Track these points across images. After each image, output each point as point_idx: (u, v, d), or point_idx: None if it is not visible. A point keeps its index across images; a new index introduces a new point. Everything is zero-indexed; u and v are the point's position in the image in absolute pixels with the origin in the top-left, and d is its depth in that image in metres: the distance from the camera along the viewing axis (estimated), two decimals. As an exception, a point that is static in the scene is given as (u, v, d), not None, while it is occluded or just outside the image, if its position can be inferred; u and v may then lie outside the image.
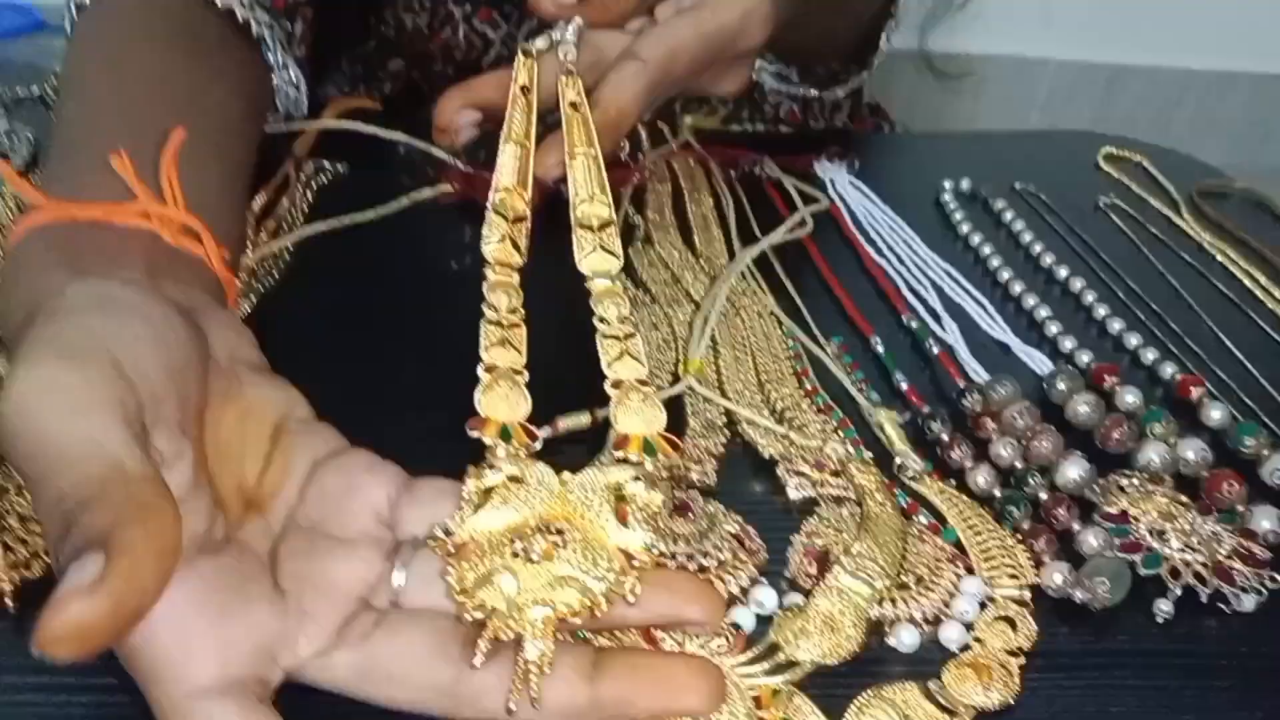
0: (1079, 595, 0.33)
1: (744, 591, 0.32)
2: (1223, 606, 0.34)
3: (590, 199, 0.39)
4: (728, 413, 0.40)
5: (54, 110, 0.43)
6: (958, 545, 0.35)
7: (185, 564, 0.24)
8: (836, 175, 0.58)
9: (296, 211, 0.50)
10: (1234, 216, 0.59)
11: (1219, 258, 0.55)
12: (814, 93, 0.66)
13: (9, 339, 0.32)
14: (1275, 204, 0.62)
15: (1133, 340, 0.47)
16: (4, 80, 0.60)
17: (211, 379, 0.29)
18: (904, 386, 0.42)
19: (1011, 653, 0.31)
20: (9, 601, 0.30)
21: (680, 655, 0.29)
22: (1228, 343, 0.48)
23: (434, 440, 0.30)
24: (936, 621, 0.32)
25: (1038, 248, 0.54)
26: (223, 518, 0.28)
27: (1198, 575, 0.35)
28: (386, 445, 0.31)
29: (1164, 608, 0.34)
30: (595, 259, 0.37)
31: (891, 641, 0.31)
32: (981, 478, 0.38)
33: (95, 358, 0.26)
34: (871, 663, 0.31)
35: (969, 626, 0.32)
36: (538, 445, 0.30)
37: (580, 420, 0.37)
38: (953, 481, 0.38)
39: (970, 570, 0.34)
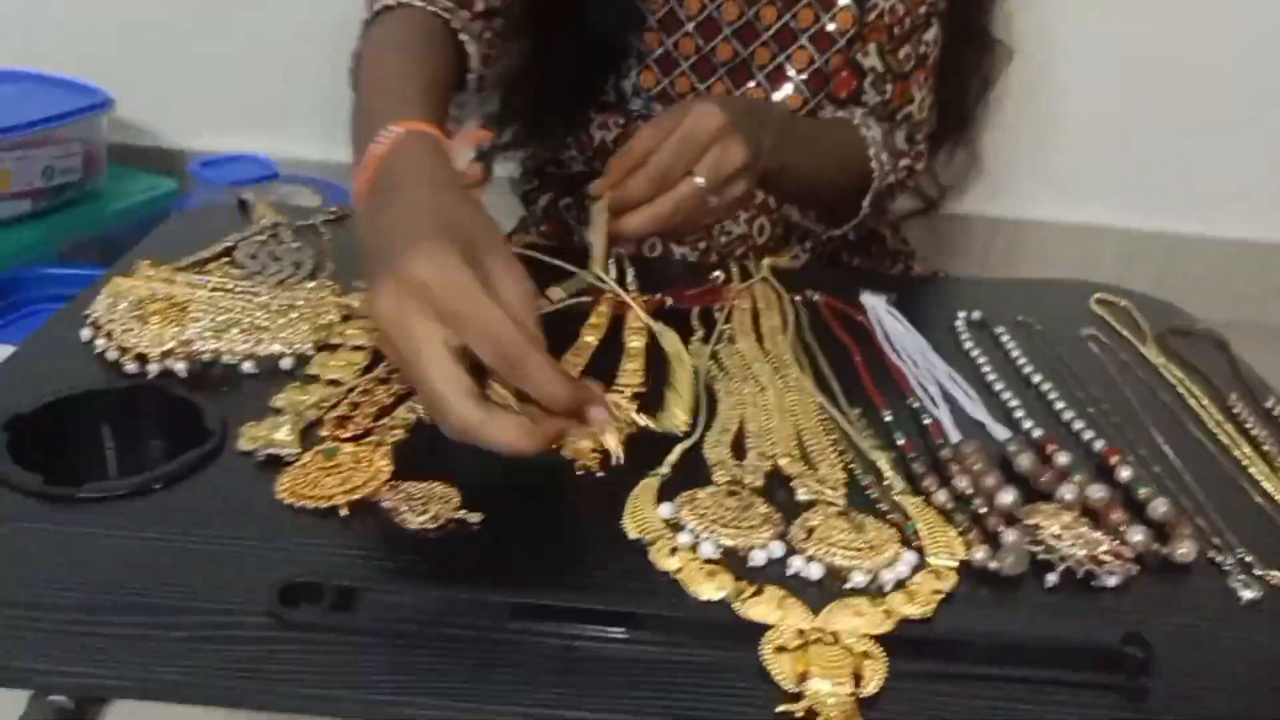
0: (992, 565, 0.51)
1: (763, 544, 0.51)
2: (1094, 583, 0.52)
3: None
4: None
5: (357, 86, 0.78)
6: (916, 534, 0.53)
7: None
8: (877, 303, 0.78)
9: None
10: (1194, 349, 0.77)
11: (1168, 377, 0.73)
12: (821, 228, 0.94)
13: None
14: (1228, 342, 0.79)
15: (1078, 425, 0.65)
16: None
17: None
18: (901, 441, 0.61)
19: (937, 591, 0.49)
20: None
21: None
22: (1152, 431, 0.65)
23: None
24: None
25: (1022, 361, 0.72)
26: None
27: (1079, 562, 0.52)
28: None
29: (1051, 579, 0.51)
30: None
31: (848, 585, 0.50)
32: (942, 496, 0.56)
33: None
34: (835, 595, 0.49)
35: (901, 583, 0.50)
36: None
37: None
38: (923, 498, 0.56)
39: (920, 551, 0.52)
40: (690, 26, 0.93)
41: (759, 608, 0.47)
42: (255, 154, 1.40)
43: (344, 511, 0.51)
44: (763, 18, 0.93)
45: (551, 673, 0.43)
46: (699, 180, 0.72)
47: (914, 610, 0.48)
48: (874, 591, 0.49)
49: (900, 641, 0.46)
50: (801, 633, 0.45)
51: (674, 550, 0.50)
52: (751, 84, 0.96)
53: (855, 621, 0.46)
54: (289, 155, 1.42)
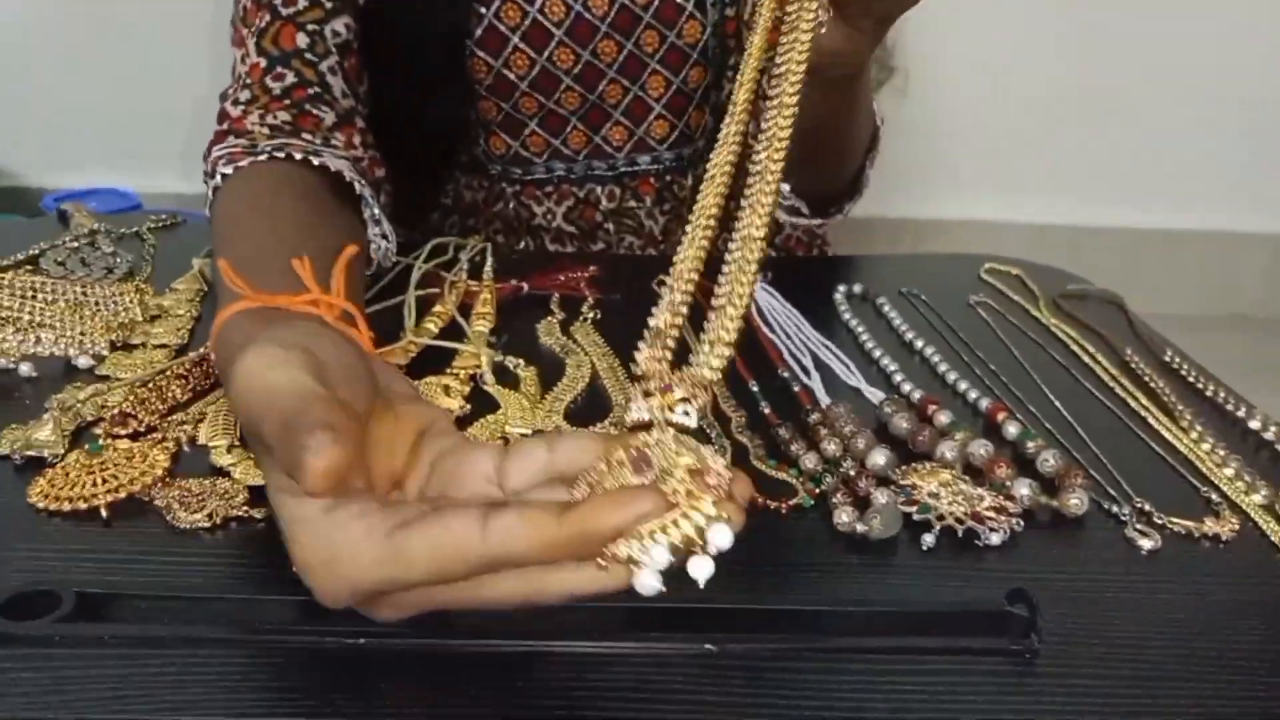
0: (859, 528, 0.45)
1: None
2: (977, 542, 0.46)
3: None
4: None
5: (216, 248, 0.56)
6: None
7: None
8: (752, 281, 0.72)
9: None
10: (1090, 311, 0.73)
11: (1061, 336, 0.68)
12: (817, 221, 0.79)
13: (223, 379, 0.43)
14: (1124, 301, 0.75)
15: (962, 385, 0.60)
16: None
17: (374, 395, 0.40)
18: (766, 411, 0.55)
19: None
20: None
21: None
22: (1043, 387, 0.60)
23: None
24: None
25: (904, 328, 0.67)
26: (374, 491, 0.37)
27: (958, 519, 0.46)
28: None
29: (927, 540, 0.45)
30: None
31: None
32: (810, 461, 0.50)
33: (296, 346, 0.37)
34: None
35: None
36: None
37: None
38: (794, 471, 0.50)
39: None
40: (525, 85, 0.83)
41: None
42: (116, 187, 1.32)
43: (104, 512, 0.43)
44: (602, 54, 0.82)
45: (326, 674, 0.36)
46: None
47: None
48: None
49: (766, 616, 0.40)
50: None
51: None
52: (608, 125, 0.86)
53: None
54: (152, 189, 1.34)
